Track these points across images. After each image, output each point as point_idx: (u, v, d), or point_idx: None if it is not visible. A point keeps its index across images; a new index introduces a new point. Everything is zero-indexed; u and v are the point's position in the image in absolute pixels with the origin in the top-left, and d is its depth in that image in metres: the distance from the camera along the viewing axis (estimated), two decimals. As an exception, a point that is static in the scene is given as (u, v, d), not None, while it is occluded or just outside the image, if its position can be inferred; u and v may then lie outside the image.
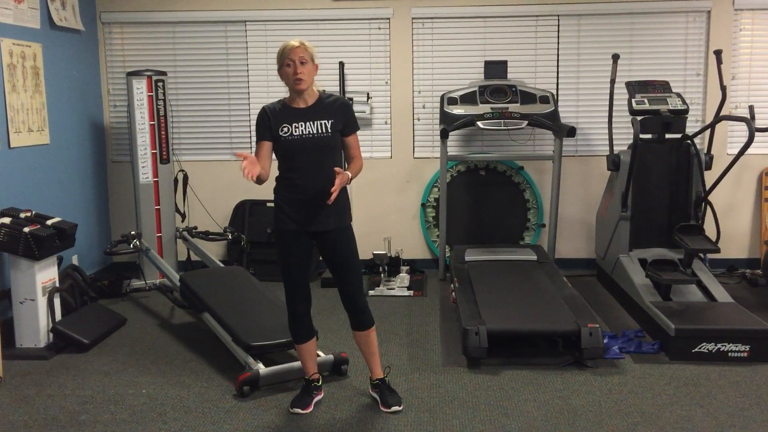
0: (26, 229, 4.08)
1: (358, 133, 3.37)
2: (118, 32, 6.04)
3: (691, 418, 3.30)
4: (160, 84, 5.50)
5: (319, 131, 3.19)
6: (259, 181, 3.15)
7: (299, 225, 3.24)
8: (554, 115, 5.48)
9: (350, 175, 3.21)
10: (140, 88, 5.44)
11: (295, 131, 3.18)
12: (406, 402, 3.45)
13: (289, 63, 3.15)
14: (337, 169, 3.13)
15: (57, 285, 4.38)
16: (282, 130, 3.19)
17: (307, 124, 3.19)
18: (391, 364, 3.88)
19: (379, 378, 3.46)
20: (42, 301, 4.22)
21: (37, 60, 4.99)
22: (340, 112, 3.25)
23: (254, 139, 6.11)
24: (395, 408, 3.36)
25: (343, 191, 3.28)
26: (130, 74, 5.48)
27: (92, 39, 5.91)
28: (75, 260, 5.37)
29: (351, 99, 5.79)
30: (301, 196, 3.21)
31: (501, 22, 5.89)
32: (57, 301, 4.34)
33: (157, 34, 6.03)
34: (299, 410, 3.38)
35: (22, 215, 4.31)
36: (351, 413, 3.39)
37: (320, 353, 3.78)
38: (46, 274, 4.27)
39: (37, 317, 4.20)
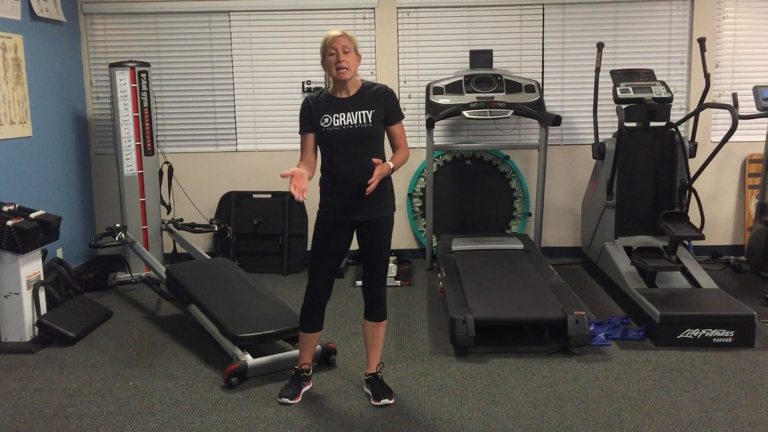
0: (9, 223, 4.04)
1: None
2: (100, 23, 5.98)
3: (677, 403, 3.33)
4: (143, 75, 5.45)
5: (360, 122, 3.16)
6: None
7: (341, 215, 3.24)
8: (540, 104, 5.49)
9: (392, 165, 3.15)
10: (123, 79, 5.39)
11: (336, 122, 3.17)
12: (394, 391, 3.45)
13: (332, 52, 3.11)
14: (375, 160, 3.07)
15: (42, 278, 4.35)
16: (323, 121, 3.18)
17: (348, 114, 3.17)
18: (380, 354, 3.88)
19: (371, 373, 3.46)
20: (27, 295, 4.18)
21: (18, 52, 4.93)
22: (383, 101, 3.22)
23: (239, 129, 6.12)
24: (384, 401, 3.35)
25: (387, 180, 3.25)
26: (112, 65, 5.43)
27: (74, 30, 5.85)
28: (60, 253, 5.34)
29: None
30: (343, 186, 3.20)
31: (486, 12, 5.89)
32: (42, 295, 4.31)
33: (140, 25, 5.97)
34: (288, 400, 3.38)
35: (6, 208, 4.27)
36: (339, 403, 3.40)
37: (308, 344, 3.78)
38: (31, 267, 4.23)
39: (21, 311, 4.17)
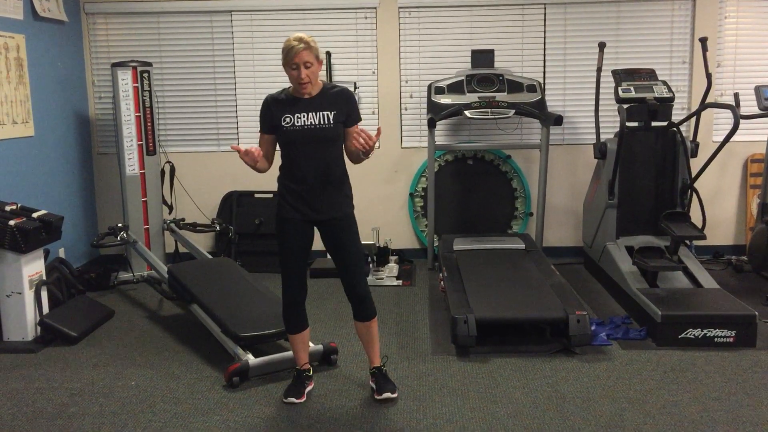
0: (12, 222, 4.05)
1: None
2: (102, 23, 5.98)
3: (678, 402, 3.33)
4: (145, 75, 5.46)
5: (321, 122, 3.19)
6: (259, 170, 3.24)
7: (300, 214, 3.26)
8: (541, 104, 5.49)
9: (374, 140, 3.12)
10: (125, 79, 5.40)
11: (297, 122, 3.19)
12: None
13: (294, 66, 3.13)
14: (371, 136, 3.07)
15: (44, 278, 4.35)
16: (284, 121, 3.20)
17: (310, 114, 3.19)
18: (381, 354, 3.89)
19: (375, 366, 3.46)
20: (29, 295, 4.19)
21: (20, 51, 4.94)
22: (343, 104, 3.25)
23: (241, 129, 6.10)
24: (386, 395, 3.36)
25: (344, 182, 3.31)
26: (115, 65, 5.44)
27: (76, 30, 5.86)
28: (62, 253, 5.34)
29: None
30: (302, 186, 3.23)
31: (487, 11, 5.89)
32: (44, 294, 4.32)
33: (142, 25, 5.98)
34: (294, 399, 3.38)
35: (8, 208, 4.28)
36: (341, 402, 3.40)
37: (310, 343, 3.78)
38: (33, 267, 4.24)
39: (24, 310, 4.18)
